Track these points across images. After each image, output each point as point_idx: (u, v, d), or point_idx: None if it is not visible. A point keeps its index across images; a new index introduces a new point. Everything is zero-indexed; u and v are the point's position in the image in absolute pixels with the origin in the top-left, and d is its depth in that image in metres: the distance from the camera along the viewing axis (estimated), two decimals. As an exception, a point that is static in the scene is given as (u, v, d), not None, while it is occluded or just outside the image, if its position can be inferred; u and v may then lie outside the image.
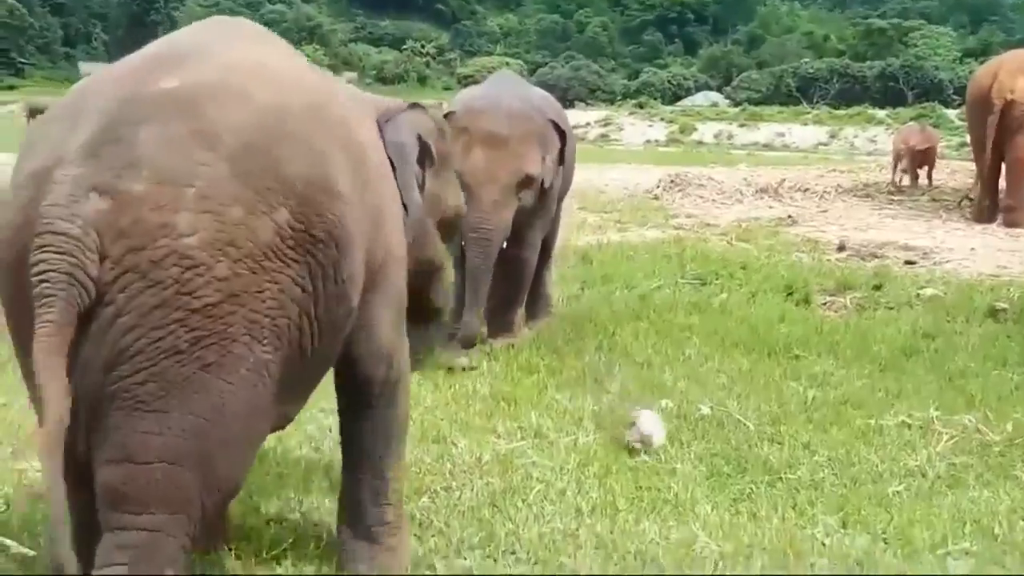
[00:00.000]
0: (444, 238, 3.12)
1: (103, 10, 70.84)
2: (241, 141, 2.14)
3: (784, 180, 13.76)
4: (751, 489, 3.34)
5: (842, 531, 3.04)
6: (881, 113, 37.12)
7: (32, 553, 2.69)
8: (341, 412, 2.75)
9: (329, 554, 2.80)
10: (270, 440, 3.65)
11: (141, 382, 2.01)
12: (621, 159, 21.42)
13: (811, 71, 50.07)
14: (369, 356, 2.61)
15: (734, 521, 3.10)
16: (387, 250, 2.58)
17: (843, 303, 6.52)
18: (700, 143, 32.41)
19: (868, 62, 51.45)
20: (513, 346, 5.10)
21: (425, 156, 2.88)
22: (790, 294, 6.55)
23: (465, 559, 2.83)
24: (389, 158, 2.72)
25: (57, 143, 2.12)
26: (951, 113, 33.25)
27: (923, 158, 14.10)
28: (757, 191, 12.92)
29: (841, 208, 12.09)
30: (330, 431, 3.81)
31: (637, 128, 35.63)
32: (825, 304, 6.50)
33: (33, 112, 32.92)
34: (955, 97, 39.57)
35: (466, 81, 57.20)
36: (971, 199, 11.74)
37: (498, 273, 5.03)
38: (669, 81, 54.10)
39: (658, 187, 13.02)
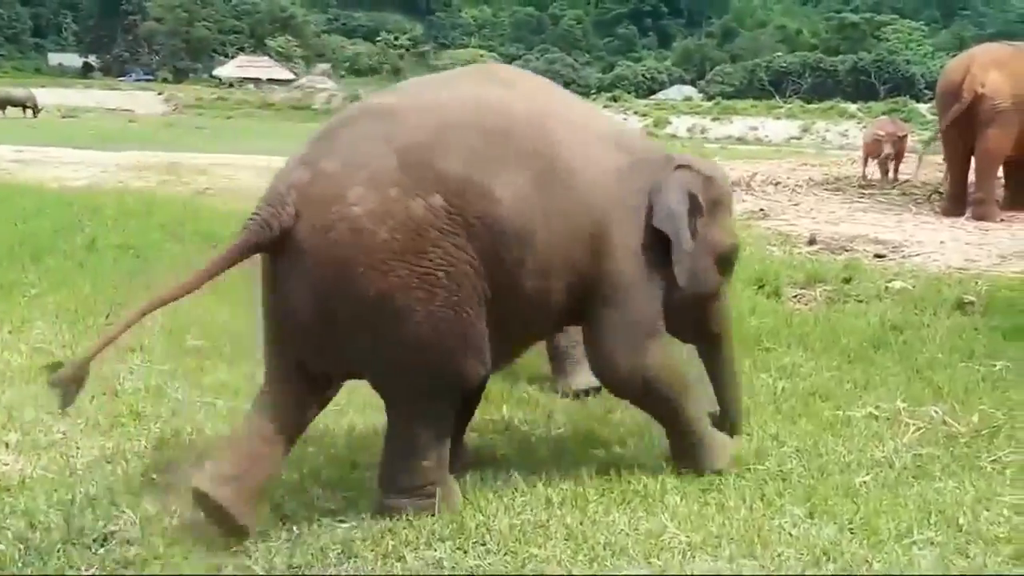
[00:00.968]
0: (722, 272, 3.51)
1: (73, 0, 70.13)
2: (412, 141, 2.86)
3: (756, 174, 13.83)
4: (720, 480, 3.37)
5: (809, 521, 3.07)
6: (853, 107, 37.40)
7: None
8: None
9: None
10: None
11: None
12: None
13: (784, 65, 50.39)
14: (592, 352, 3.29)
15: (703, 511, 3.13)
16: (606, 269, 3.13)
17: (813, 296, 6.57)
18: (674, 137, 32.57)
19: (840, 56, 51.82)
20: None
21: (696, 209, 3.29)
22: (761, 287, 6.59)
23: (435, 551, 2.84)
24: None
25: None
26: (923, 107, 33.54)
27: (892, 152, 14.20)
28: (731, 184, 12.96)
29: (812, 202, 12.16)
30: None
31: (611, 121, 35.73)
32: (795, 297, 6.55)
33: (2, 103, 32.63)
34: (927, 91, 39.91)
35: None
36: (941, 193, 11.85)
37: None
38: (643, 74, 54.27)
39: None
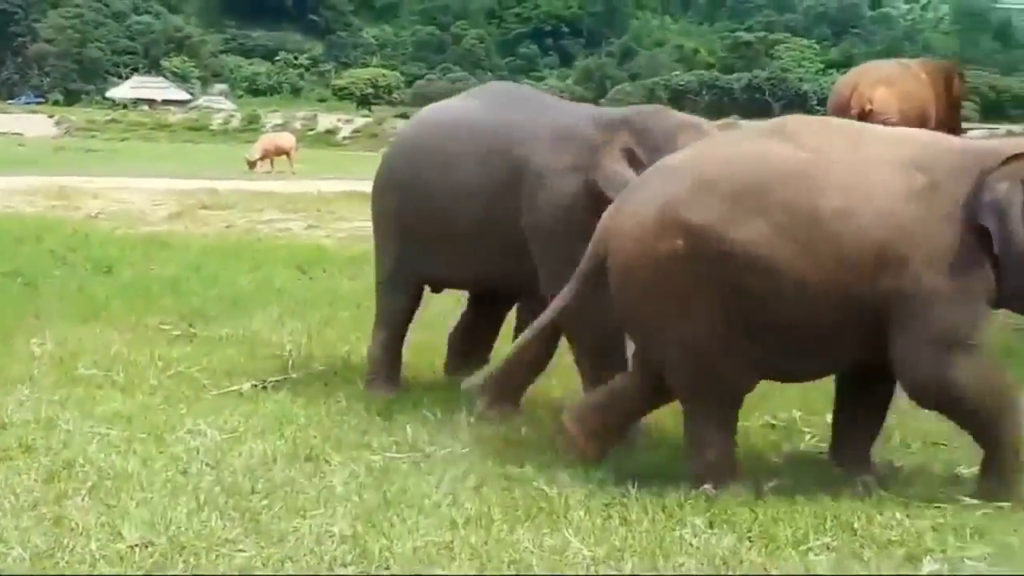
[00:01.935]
0: None
1: (-39, 22, 67.79)
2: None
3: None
4: (624, 494, 3.39)
5: (710, 531, 3.11)
6: (747, 124, 38.32)
7: None
8: None
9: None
10: (135, 463, 3.58)
11: None
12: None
13: (682, 83, 51.40)
14: (898, 370, 3.42)
15: (606, 525, 3.14)
16: (897, 289, 3.29)
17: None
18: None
19: (736, 74, 53.04)
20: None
21: None
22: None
23: (338, 577, 2.80)
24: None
25: None
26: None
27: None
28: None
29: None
30: (197, 452, 3.73)
31: (514, 140, 35.83)
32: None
33: None
34: (819, 108, 41.05)
35: (341, 93, 56.73)
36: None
37: None
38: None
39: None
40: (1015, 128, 36.27)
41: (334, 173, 19.34)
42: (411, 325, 4.82)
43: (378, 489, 3.41)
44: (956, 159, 3.45)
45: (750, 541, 3.05)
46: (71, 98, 60.93)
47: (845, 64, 40.42)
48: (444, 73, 58.99)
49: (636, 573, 2.82)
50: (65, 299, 6.57)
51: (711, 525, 3.15)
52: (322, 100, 58.26)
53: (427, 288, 4.76)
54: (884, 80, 11.38)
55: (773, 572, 2.86)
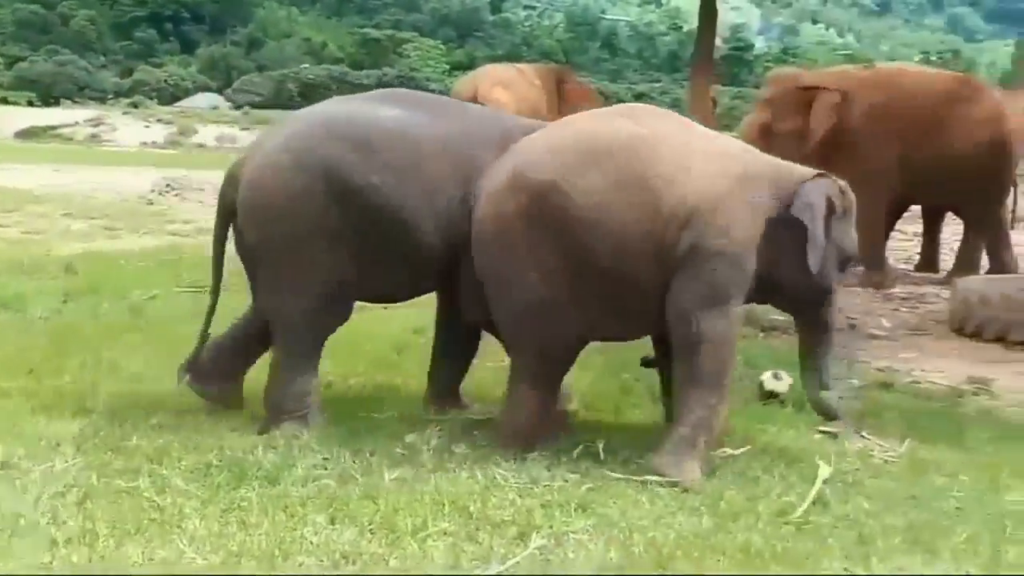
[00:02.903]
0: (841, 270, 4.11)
1: None
2: None
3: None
4: (243, 497, 3.31)
5: (331, 527, 3.11)
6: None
7: None
8: None
9: None
10: None
11: None
12: (114, 161, 20.28)
13: (312, 77, 50.96)
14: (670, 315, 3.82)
15: (224, 531, 3.05)
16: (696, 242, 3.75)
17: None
18: (202, 146, 31.62)
19: (366, 71, 53.46)
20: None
21: (831, 212, 3.91)
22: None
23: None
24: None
25: None
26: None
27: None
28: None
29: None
30: None
31: (132, 129, 33.84)
32: (322, 306, 6.63)
33: None
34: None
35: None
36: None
37: None
38: (166, 81, 52.11)
39: (153, 191, 12.51)
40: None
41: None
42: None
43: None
44: (771, 165, 4.02)
45: (371, 533, 3.08)
46: None
47: (469, 66, 42.12)
48: (51, 55, 54.33)
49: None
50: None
51: (332, 521, 3.15)
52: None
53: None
54: (501, 83, 12.01)
55: (392, 562, 2.91)
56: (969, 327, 6.60)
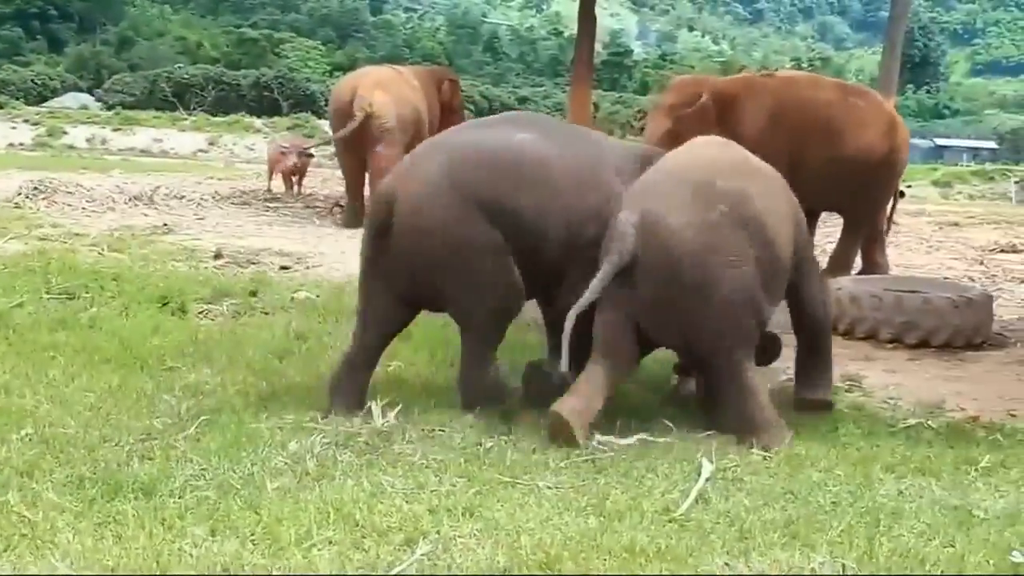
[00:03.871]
0: None
1: None
2: None
3: (159, 187, 13.54)
4: (118, 510, 3.19)
5: (211, 539, 3.03)
6: (258, 122, 38.06)
7: None
8: None
9: None
10: None
11: None
12: (-23, 164, 19.35)
13: (186, 77, 49.63)
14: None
15: (99, 546, 2.94)
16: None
17: (220, 311, 6.55)
18: (71, 147, 30.49)
19: (243, 71, 52.37)
20: None
21: None
22: (165, 304, 6.42)
23: None
24: None
25: None
26: (324, 123, 35.10)
27: (297, 167, 14.74)
28: (131, 199, 12.55)
29: (218, 216, 12.20)
30: None
31: (-3, 130, 32.45)
32: (202, 313, 6.48)
33: None
34: (327, 109, 41.89)
35: None
36: (341, 206, 12.54)
37: None
38: (33, 80, 50.03)
39: (19, 194, 12.00)
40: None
41: None
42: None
43: None
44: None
45: (253, 544, 3.02)
46: None
47: (350, 67, 41.59)
48: None
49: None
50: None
51: (213, 533, 3.07)
52: None
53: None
54: (381, 85, 11.94)
55: (275, 572, 2.85)
56: (841, 326, 6.82)
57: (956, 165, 39.21)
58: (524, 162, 4.47)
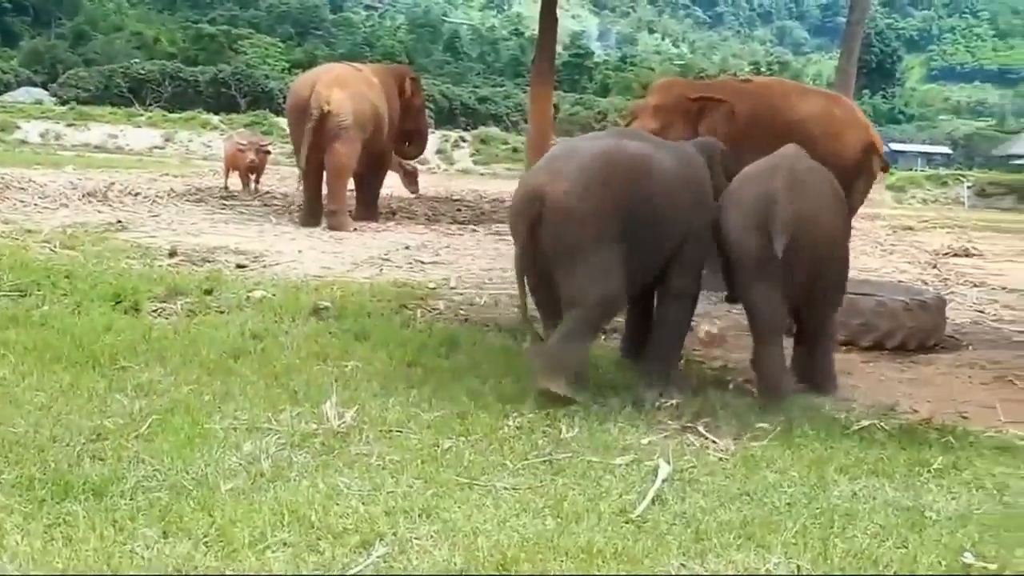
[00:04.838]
0: None
1: None
2: None
3: (114, 184, 13.38)
4: (68, 512, 3.14)
5: (163, 541, 2.99)
6: (216, 118, 37.76)
7: None
8: None
9: None
10: None
11: None
12: (-72, 158, 19.02)
13: (143, 72, 49.10)
14: None
15: (48, 548, 2.89)
16: None
17: (174, 309, 6.46)
18: (24, 143, 30.05)
19: (200, 67, 51.90)
20: None
21: None
22: (118, 302, 6.31)
23: None
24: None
25: None
26: (282, 121, 34.89)
27: (254, 164, 14.62)
28: (85, 195, 12.39)
29: (173, 213, 12.07)
30: None
31: (-51, 124, 31.91)
32: (155, 311, 6.39)
33: None
34: (285, 106, 41.62)
35: None
36: (299, 205, 12.46)
37: None
38: (-14, 73, 49.29)
39: (-29, 190, 11.81)
40: (465, 135, 39.80)
41: None
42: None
43: None
44: None
45: (206, 547, 2.97)
46: None
47: (309, 64, 41.45)
48: None
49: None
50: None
51: (165, 535, 3.03)
52: None
53: None
54: (338, 82, 11.87)
55: (228, 574, 2.81)
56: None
57: (910, 170, 39.78)
58: (648, 166, 5.08)
